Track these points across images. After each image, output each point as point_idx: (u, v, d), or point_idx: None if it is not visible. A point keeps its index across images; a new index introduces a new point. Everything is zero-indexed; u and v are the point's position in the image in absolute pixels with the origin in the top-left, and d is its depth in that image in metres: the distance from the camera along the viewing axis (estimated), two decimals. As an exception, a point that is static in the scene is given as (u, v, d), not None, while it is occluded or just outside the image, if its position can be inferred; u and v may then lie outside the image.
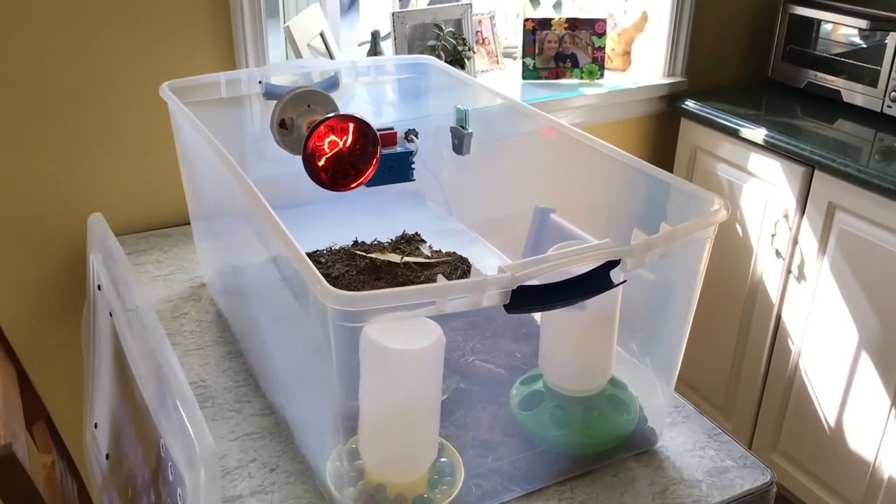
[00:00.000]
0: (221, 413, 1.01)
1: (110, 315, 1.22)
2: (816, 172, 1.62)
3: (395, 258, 1.33)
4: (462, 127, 1.25)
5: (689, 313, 0.88)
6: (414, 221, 1.51)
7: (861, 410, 1.63)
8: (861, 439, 1.64)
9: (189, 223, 1.41)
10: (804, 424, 1.76)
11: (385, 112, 1.44)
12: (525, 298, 0.70)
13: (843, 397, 1.66)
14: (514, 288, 0.69)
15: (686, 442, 0.97)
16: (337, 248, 1.39)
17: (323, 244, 1.41)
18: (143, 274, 1.32)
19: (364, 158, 1.20)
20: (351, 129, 1.18)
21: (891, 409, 1.57)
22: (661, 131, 2.00)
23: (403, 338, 0.78)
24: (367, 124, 1.18)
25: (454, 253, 1.37)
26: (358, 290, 1.23)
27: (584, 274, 0.74)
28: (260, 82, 1.27)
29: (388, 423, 0.80)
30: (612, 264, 0.75)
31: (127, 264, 1.25)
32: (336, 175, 1.20)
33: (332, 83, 1.32)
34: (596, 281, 0.74)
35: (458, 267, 1.32)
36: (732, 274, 1.86)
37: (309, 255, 1.35)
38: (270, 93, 1.27)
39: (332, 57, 1.69)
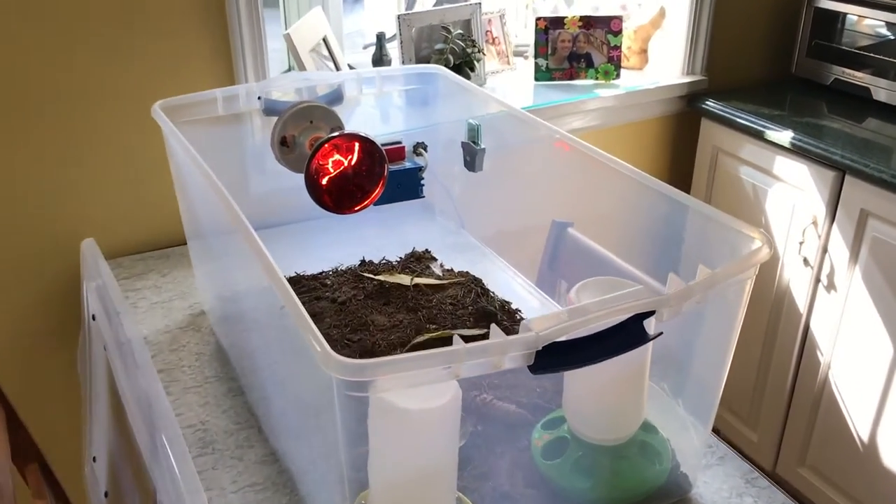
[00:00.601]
0: (223, 461, 0.95)
1: (105, 348, 1.16)
2: (847, 177, 1.54)
3: (405, 280, 1.26)
4: (474, 142, 1.17)
5: (728, 354, 0.81)
6: (424, 236, 1.43)
7: (895, 425, 1.55)
8: (895, 455, 1.56)
9: (186, 243, 1.34)
10: (834, 439, 1.69)
11: (392, 124, 1.37)
12: (551, 358, 0.63)
13: (877, 411, 1.58)
14: (540, 348, 0.62)
15: (722, 488, 0.90)
16: (343, 268, 1.32)
17: (329, 263, 1.34)
18: (140, 301, 1.25)
19: (370, 179, 1.13)
20: (356, 148, 1.11)
21: (928, 426, 1.49)
22: (680, 132, 1.92)
23: (416, 394, 0.71)
24: (373, 143, 1.10)
25: (467, 273, 1.30)
26: (366, 316, 1.16)
27: (614, 326, 0.66)
28: (259, 98, 1.19)
29: (401, 486, 0.73)
30: (646, 313, 0.68)
31: (119, 294, 1.19)
32: (341, 197, 1.13)
33: (336, 97, 1.24)
34: (628, 334, 0.67)
35: (471, 289, 1.24)
36: (757, 282, 1.78)
37: (314, 276, 1.29)
38: (270, 109, 1.20)
39: (336, 65, 1.62)
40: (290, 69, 1.89)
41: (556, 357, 0.63)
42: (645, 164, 1.91)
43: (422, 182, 1.24)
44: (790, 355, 1.74)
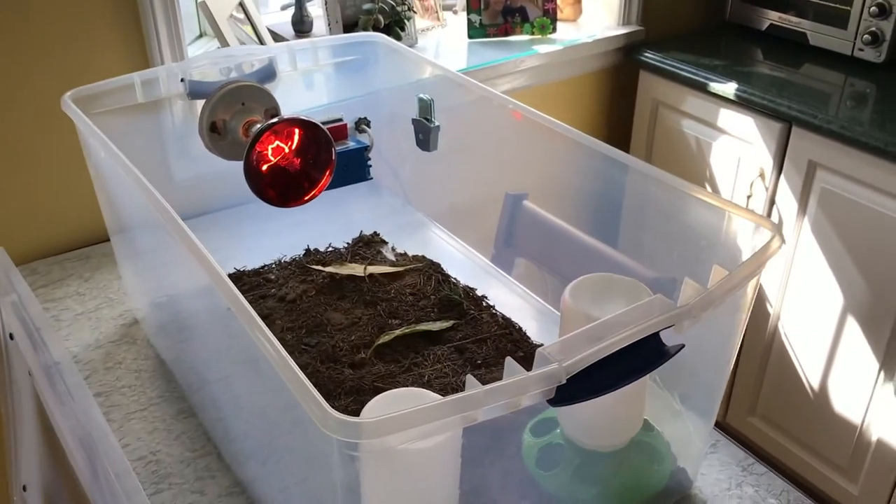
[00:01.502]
0: (182, 496, 0.85)
1: (29, 373, 1.04)
2: (795, 128, 1.51)
3: (358, 270, 1.16)
4: (427, 119, 1.08)
5: (732, 354, 0.76)
6: (369, 216, 1.34)
7: (846, 374, 1.57)
8: (846, 403, 1.58)
9: (109, 239, 1.21)
10: (784, 388, 1.70)
11: (328, 97, 1.26)
12: (573, 389, 0.56)
13: (827, 361, 1.60)
14: (564, 382, 0.55)
15: (720, 479, 0.86)
16: (288, 259, 1.21)
17: (269, 254, 1.23)
18: (62, 312, 1.12)
19: (317, 167, 1.03)
20: (296, 135, 1.00)
21: (879, 372, 1.51)
22: (619, 86, 1.86)
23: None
24: (317, 127, 1.00)
25: (422, 257, 1.21)
26: (321, 315, 1.07)
27: (631, 345, 0.60)
28: (182, 80, 1.06)
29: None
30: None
31: (38, 310, 1.06)
32: (286, 189, 1.02)
33: (268, 74, 1.12)
34: (648, 351, 0.60)
35: (430, 275, 1.16)
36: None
37: (257, 271, 1.18)
38: (196, 91, 1.07)
39: (256, 32, 1.48)
40: (201, 35, 1.74)
41: (578, 388, 0.56)
42: (584, 120, 1.85)
43: (368, 163, 1.14)
44: (738, 308, 1.74)
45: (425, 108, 1.07)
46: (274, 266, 1.20)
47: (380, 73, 1.23)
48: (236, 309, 0.63)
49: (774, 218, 1.60)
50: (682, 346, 0.62)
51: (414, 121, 1.10)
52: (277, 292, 1.13)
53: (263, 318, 1.09)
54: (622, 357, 0.59)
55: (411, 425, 0.51)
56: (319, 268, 1.17)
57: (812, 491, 1.71)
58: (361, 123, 1.18)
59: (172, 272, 0.94)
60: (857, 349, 1.53)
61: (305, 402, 0.52)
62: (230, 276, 1.16)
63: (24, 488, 1.17)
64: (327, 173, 1.02)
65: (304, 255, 1.23)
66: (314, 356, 0.99)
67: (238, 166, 0.98)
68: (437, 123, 1.08)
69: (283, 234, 1.28)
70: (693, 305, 0.61)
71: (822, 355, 1.60)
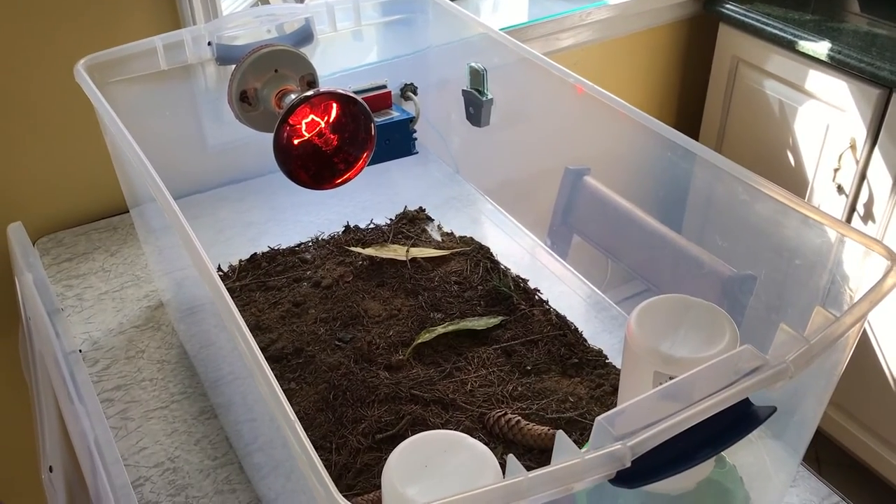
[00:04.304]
0: (198, 513, 0.78)
1: (44, 360, 0.97)
2: (895, 95, 1.34)
3: (400, 253, 1.07)
4: (479, 91, 0.96)
5: (831, 390, 0.64)
6: (416, 188, 1.24)
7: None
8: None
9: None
10: (863, 378, 1.57)
11: (372, 62, 1.14)
12: (640, 471, 0.46)
13: (915, 353, 1.46)
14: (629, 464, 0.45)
15: (800, 522, 0.76)
16: (325, 237, 1.12)
17: (306, 229, 1.14)
18: (86, 291, 1.06)
19: (355, 145, 0.92)
20: (334, 110, 0.89)
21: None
22: (695, 40, 1.70)
23: (440, 477, 0.54)
24: (357, 103, 0.89)
25: (470, 239, 1.11)
26: (357, 304, 0.98)
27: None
28: (209, 44, 0.96)
29: None
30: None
31: (52, 295, 0.99)
32: (320, 170, 0.92)
33: (304, 36, 1.01)
34: (733, 415, 0.49)
35: (478, 261, 1.06)
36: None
37: (292, 250, 1.09)
38: (225, 56, 0.97)
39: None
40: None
41: (646, 468, 0.46)
42: (656, 77, 1.70)
43: (414, 136, 1.03)
44: (816, 288, 1.59)
45: (477, 78, 0.95)
46: (311, 245, 1.11)
47: (430, 33, 1.10)
48: (247, 353, 0.54)
49: (864, 194, 1.44)
50: (774, 409, 0.51)
51: (464, 92, 0.98)
52: (313, 275, 1.04)
53: (296, 305, 1.01)
54: (705, 426, 0.48)
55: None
56: (359, 250, 1.07)
57: (890, 486, 1.59)
58: (407, 90, 1.06)
59: (180, 255, 0.86)
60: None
61: (313, 483, 0.43)
62: (265, 254, 1.08)
63: (51, 469, 1.12)
64: (365, 154, 0.92)
65: (344, 232, 1.13)
66: (348, 354, 0.90)
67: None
68: (490, 96, 0.96)
69: (321, 207, 1.19)
70: (792, 362, 0.49)
71: (908, 346, 1.46)
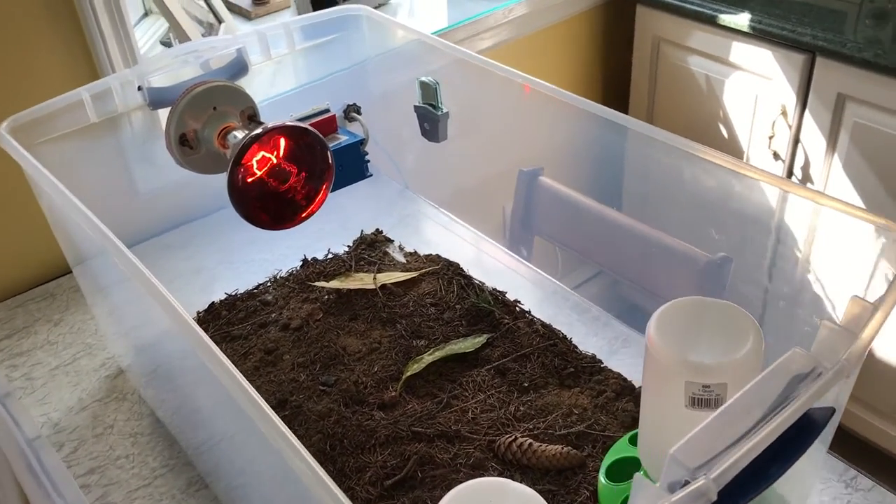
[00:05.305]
0: None
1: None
2: (819, 59, 1.37)
3: (367, 281, 1.02)
4: (433, 106, 0.92)
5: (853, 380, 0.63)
6: (366, 209, 1.19)
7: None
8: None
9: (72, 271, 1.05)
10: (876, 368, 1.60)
11: (308, 85, 1.09)
12: (726, 502, 0.43)
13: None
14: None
15: (824, 502, 0.75)
16: (284, 275, 1.07)
17: (262, 267, 1.09)
18: (34, 369, 0.97)
19: (313, 177, 0.87)
20: (282, 143, 0.84)
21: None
22: (614, 24, 1.70)
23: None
24: (308, 132, 0.84)
25: (437, 256, 1.07)
26: (333, 342, 0.93)
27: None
28: (139, 88, 0.90)
29: None
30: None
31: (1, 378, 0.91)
32: (279, 208, 0.87)
33: (239, 68, 0.96)
34: (797, 426, 0.47)
35: (450, 279, 1.02)
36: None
37: (251, 293, 1.04)
38: (157, 100, 0.91)
39: (211, 8, 1.30)
40: (146, 14, 1.54)
41: (730, 497, 0.43)
42: (579, 65, 1.70)
43: (366, 158, 0.99)
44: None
45: (429, 92, 0.91)
46: (270, 284, 1.05)
47: (366, 50, 1.06)
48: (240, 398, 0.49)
49: (800, 158, 1.47)
50: (833, 410, 0.49)
51: (417, 108, 0.94)
52: (279, 318, 0.99)
53: (269, 352, 0.96)
54: (772, 447, 0.46)
55: None
56: (323, 284, 1.02)
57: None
58: (351, 111, 1.02)
59: (140, 310, 0.80)
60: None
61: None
62: (222, 302, 1.02)
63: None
64: (325, 185, 0.87)
65: (302, 266, 1.08)
66: (336, 398, 0.86)
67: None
68: (445, 110, 0.92)
69: (272, 242, 1.13)
70: (846, 361, 0.48)
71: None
